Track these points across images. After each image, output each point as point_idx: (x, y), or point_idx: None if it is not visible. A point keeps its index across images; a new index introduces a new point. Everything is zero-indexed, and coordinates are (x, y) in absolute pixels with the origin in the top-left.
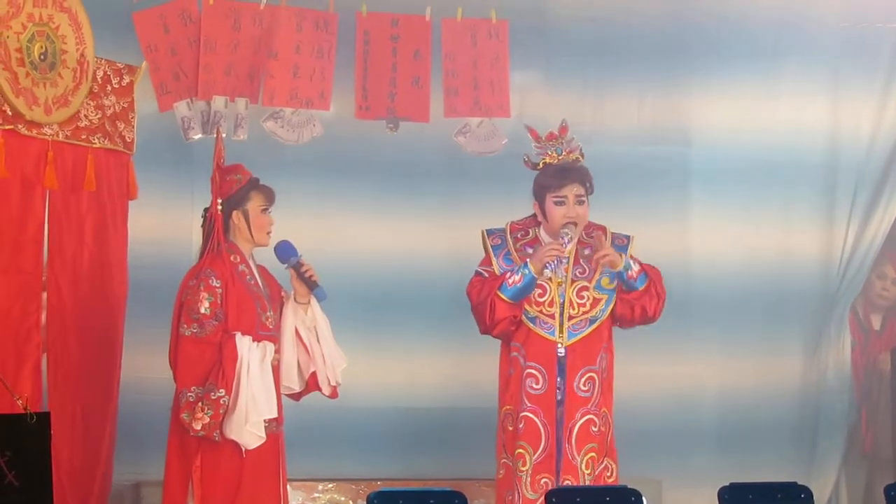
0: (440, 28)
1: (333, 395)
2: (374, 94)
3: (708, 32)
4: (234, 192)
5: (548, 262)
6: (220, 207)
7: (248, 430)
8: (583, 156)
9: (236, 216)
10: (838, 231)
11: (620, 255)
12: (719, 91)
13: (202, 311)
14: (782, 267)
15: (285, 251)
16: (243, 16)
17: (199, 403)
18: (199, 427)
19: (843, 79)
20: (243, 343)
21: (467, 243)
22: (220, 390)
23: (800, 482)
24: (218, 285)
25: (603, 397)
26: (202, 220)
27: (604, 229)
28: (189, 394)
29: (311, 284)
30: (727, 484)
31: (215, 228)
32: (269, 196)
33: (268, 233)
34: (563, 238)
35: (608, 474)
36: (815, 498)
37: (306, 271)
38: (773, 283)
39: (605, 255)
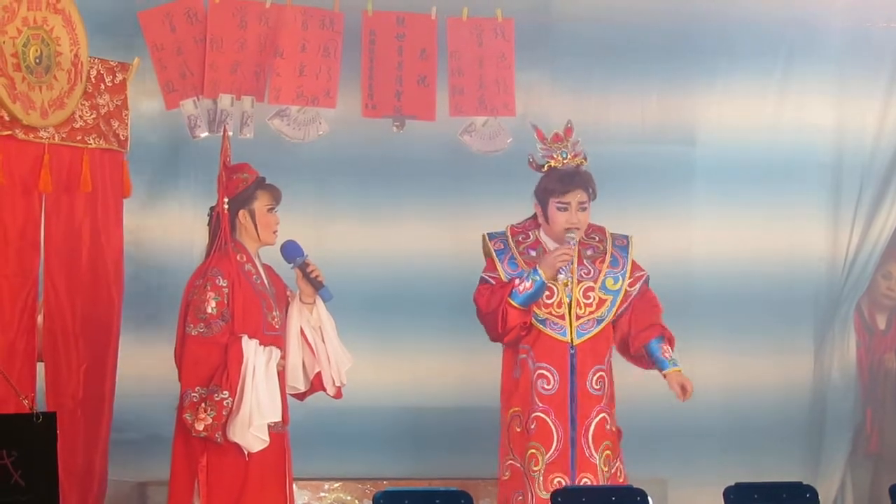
0: (446, 27)
1: (338, 395)
2: (381, 93)
3: (713, 32)
4: (241, 191)
5: (560, 268)
6: (226, 206)
7: (251, 433)
8: (586, 160)
9: (243, 215)
10: (843, 230)
11: (682, 379)
12: (724, 90)
13: (209, 310)
14: (787, 266)
15: (291, 251)
16: (249, 14)
17: (203, 404)
18: (201, 428)
19: (847, 78)
20: (249, 346)
21: (472, 242)
22: (224, 392)
23: (805, 482)
24: (224, 285)
25: (611, 396)
26: (208, 219)
27: (603, 230)
28: (193, 394)
29: (316, 284)
30: (732, 484)
31: (222, 227)
32: (275, 195)
33: (274, 232)
34: (569, 243)
35: (618, 474)
36: (820, 498)
37: (312, 271)
38: (778, 282)
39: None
